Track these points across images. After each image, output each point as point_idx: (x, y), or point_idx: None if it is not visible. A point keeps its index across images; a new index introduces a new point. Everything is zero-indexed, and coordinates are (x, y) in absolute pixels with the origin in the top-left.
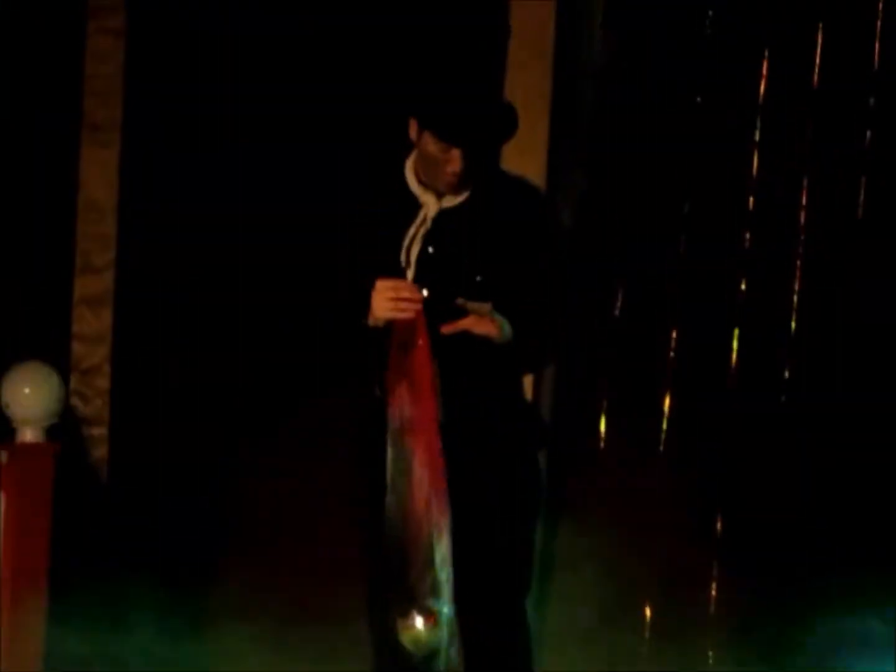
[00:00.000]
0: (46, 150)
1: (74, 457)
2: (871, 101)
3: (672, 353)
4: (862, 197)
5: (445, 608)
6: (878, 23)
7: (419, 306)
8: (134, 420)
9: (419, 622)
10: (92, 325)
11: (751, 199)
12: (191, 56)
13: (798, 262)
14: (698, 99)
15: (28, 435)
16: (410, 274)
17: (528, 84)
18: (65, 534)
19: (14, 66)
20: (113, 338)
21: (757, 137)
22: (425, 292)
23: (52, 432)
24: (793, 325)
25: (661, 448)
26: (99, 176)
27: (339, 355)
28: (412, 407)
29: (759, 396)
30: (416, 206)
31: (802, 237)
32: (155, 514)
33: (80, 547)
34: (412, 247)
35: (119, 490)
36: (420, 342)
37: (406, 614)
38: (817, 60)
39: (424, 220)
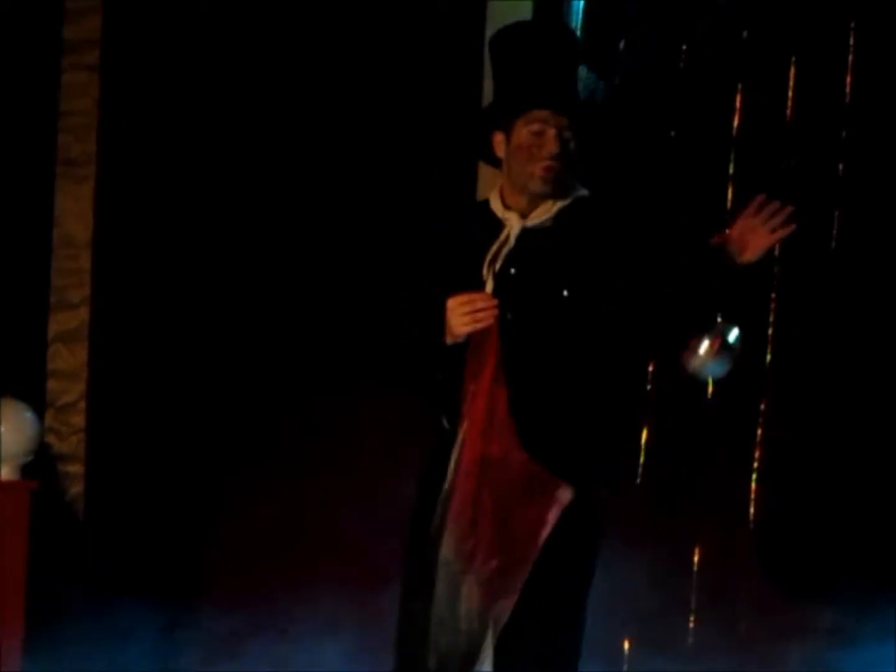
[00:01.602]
0: (21, 186)
1: (50, 494)
2: (843, 133)
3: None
4: (835, 229)
5: None
6: (850, 57)
7: (496, 311)
8: (110, 457)
9: None
10: (67, 361)
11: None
12: (166, 91)
13: (772, 294)
14: (672, 132)
15: (3, 472)
16: (490, 287)
17: None
18: (41, 572)
19: None
20: (88, 374)
21: (731, 170)
22: (508, 315)
23: (27, 470)
24: (767, 356)
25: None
26: (74, 211)
27: (409, 382)
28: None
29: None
30: (499, 228)
31: (777, 269)
32: (132, 551)
33: (57, 584)
34: (493, 266)
35: (95, 528)
36: (493, 346)
37: None
38: (790, 94)
39: (507, 239)
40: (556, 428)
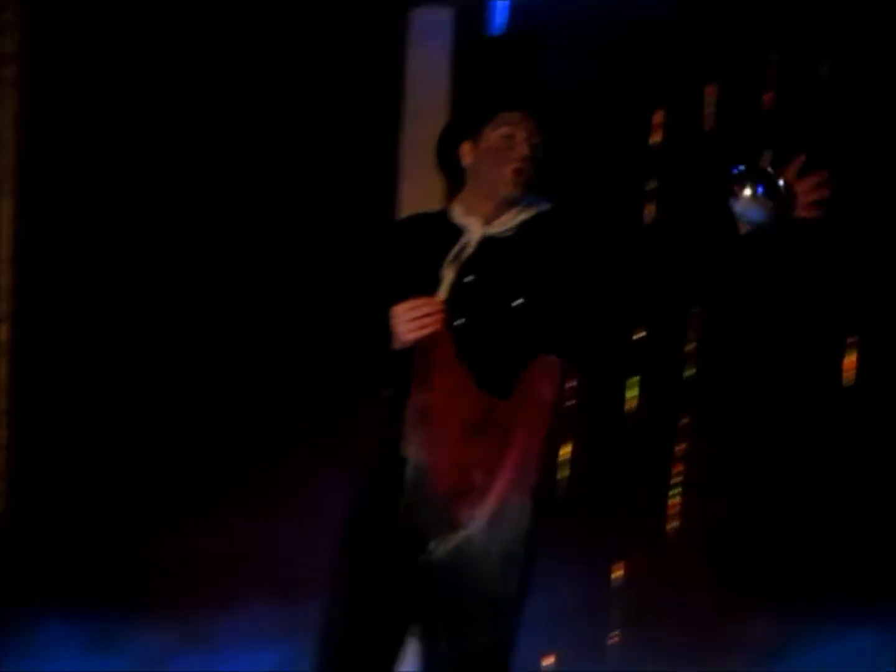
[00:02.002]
0: None
1: None
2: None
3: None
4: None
5: None
6: (769, 73)
7: (441, 316)
8: (34, 474)
9: None
10: None
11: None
12: (85, 105)
13: (696, 310)
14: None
15: None
16: (445, 293)
17: (424, 133)
18: None
19: None
20: (10, 390)
21: (652, 186)
22: (456, 321)
23: None
24: (688, 370)
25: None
26: None
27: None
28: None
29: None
30: (457, 235)
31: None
32: (57, 568)
33: None
34: (447, 272)
35: (19, 545)
36: (444, 350)
37: None
38: (708, 111)
39: (467, 245)
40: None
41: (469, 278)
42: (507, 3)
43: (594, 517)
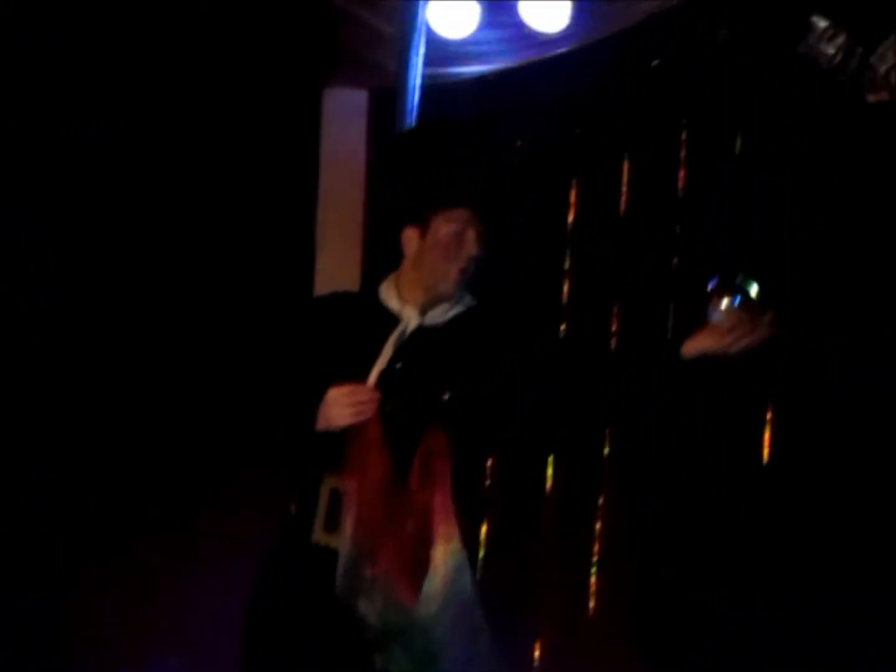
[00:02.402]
0: None
1: None
2: (677, 228)
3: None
4: (671, 321)
5: None
6: (683, 151)
7: (376, 405)
8: None
9: None
10: None
11: (562, 327)
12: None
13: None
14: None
15: None
16: (375, 378)
17: (340, 213)
18: None
19: None
20: None
21: (567, 265)
22: (387, 407)
23: None
24: (605, 448)
25: None
26: None
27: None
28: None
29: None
30: (390, 321)
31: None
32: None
33: None
34: (381, 356)
35: None
36: (373, 435)
37: None
38: (623, 189)
39: (403, 333)
40: None
41: (399, 365)
42: (421, 84)
43: (513, 596)
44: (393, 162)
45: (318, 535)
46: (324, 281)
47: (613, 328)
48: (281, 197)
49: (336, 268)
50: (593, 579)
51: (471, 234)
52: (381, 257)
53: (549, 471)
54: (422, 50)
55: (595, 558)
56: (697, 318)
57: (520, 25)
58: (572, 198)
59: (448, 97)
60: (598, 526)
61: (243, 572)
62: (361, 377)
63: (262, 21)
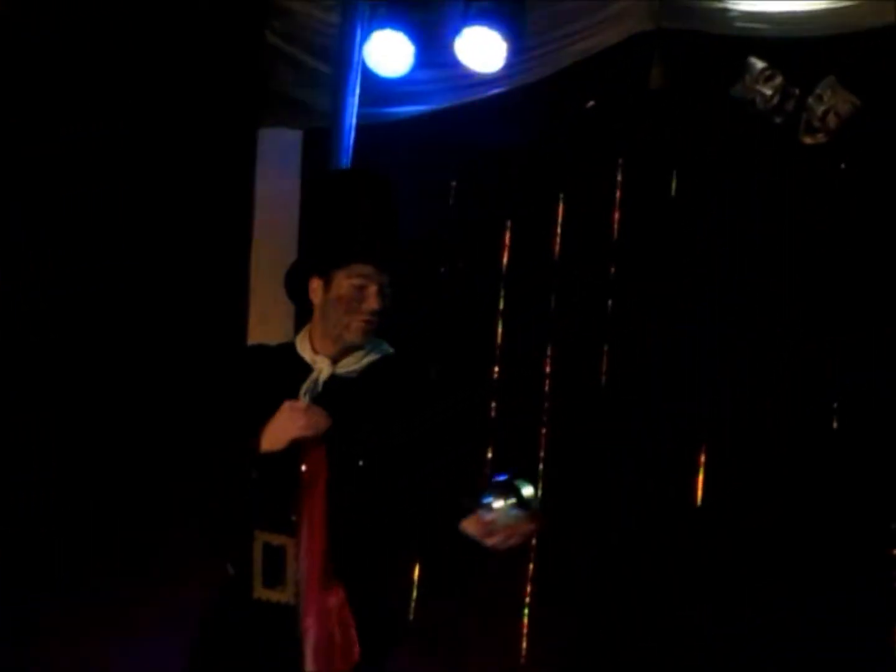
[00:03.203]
0: None
1: None
2: (612, 269)
3: None
4: (604, 364)
5: None
6: (617, 193)
7: (327, 426)
8: None
9: None
10: None
11: (496, 368)
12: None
13: (543, 430)
14: (442, 269)
15: None
16: None
17: (274, 252)
18: None
19: None
20: None
21: (501, 306)
22: (303, 466)
23: None
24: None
25: None
26: None
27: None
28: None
29: None
30: (305, 371)
31: (547, 405)
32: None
33: None
34: None
35: None
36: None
37: None
38: (558, 230)
39: (316, 383)
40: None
41: None
42: (354, 125)
43: (445, 637)
44: (303, 211)
45: (259, 592)
46: (257, 320)
47: (547, 370)
48: (215, 236)
49: (270, 308)
50: (525, 621)
51: (372, 289)
52: (296, 304)
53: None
54: (357, 89)
55: (527, 600)
56: (632, 361)
57: (455, 66)
58: (506, 239)
59: (383, 137)
60: (530, 568)
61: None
62: None
63: (195, 60)
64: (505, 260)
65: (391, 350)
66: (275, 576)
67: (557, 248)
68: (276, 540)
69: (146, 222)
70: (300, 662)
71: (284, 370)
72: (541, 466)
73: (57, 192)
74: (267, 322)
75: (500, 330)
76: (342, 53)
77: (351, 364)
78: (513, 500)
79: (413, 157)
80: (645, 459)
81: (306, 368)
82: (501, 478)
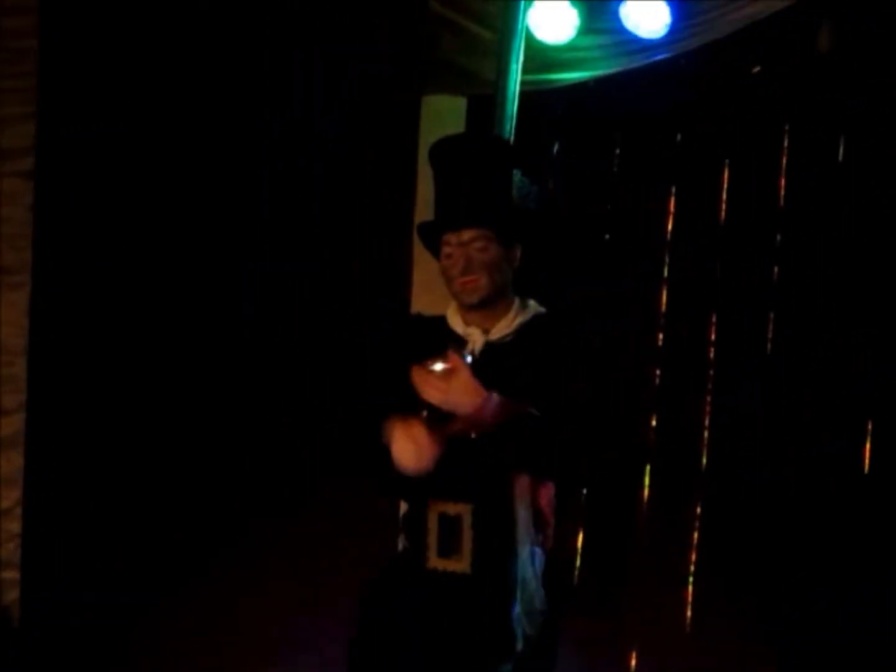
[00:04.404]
0: None
1: None
2: (778, 236)
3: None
4: (770, 332)
5: None
6: (784, 159)
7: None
8: (46, 564)
9: None
10: (3, 467)
11: (660, 336)
12: (98, 198)
13: (708, 398)
14: (607, 236)
15: None
16: None
17: None
18: None
19: None
20: (25, 481)
21: (665, 273)
22: (473, 433)
23: None
24: (703, 460)
25: None
26: (9, 319)
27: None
28: None
29: None
30: (460, 343)
31: (711, 372)
32: (68, 660)
33: None
34: None
35: (30, 635)
36: None
37: None
38: (724, 197)
39: (472, 353)
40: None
41: None
42: (517, 92)
43: (608, 605)
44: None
45: (434, 562)
46: (420, 289)
47: (712, 337)
48: (379, 204)
49: (434, 278)
50: (690, 589)
51: (457, 254)
52: None
53: (646, 480)
54: (521, 56)
55: (692, 568)
56: (798, 329)
57: (620, 31)
58: (671, 206)
59: (546, 104)
60: (694, 536)
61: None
62: None
63: (361, 29)
64: (669, 227)
65: (541, 308)
66: (451, 545)
67: (723, 214)
68: (453, 509)
69: (315, 191)
70: (475, 632)
71: (439, 344)
72: (705, 434)
73: (211, 165)
74: (432, 292)
75: (664, 297)
76: (506, 20)
77: (503, 329)
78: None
79: (576, 123)
80: (811, 427)
81: (460, 341)
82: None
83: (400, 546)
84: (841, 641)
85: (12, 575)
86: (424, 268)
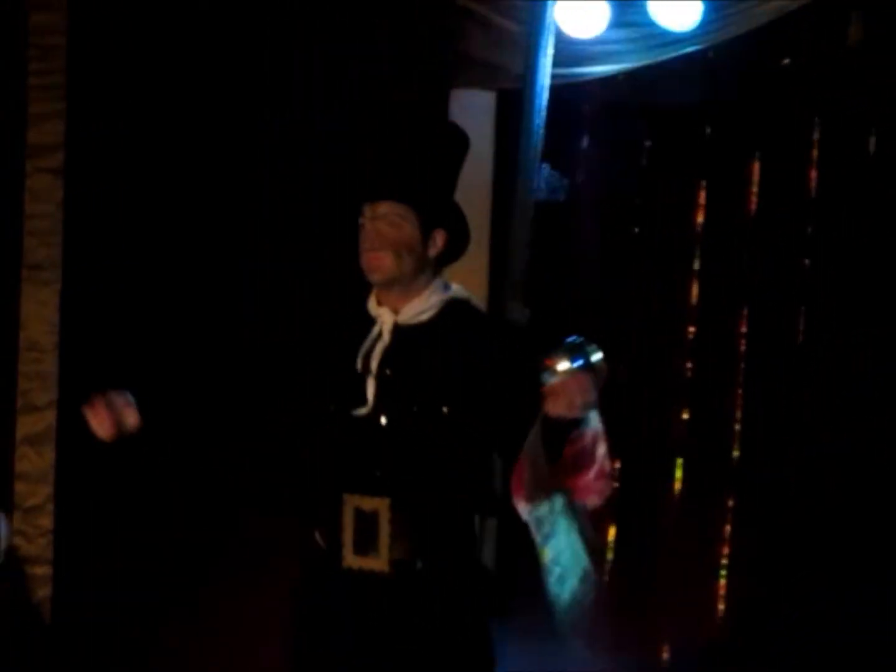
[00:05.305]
0: None
1: (18, 597)
2: (809, 229)
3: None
4: (801, 324)
5: None
6: (814, 151)
7: None
8: (77, 559)
9: None
10: (34, 463)
11: (691, 328)
12: (128, 193)
13: (739, 391)
14: (636, 229)
15: None
16: (372, 388)
17: (466, 215)
18: None
19: None
20: (55, 476)
21: (696, 266)
22: (383, 419)
23: None
24: (735, 453)
25: None
26: (39, 315)
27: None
28: None
29: None
30: (373, 324)
31: (742, 365)
32: (99, 655)
33: None
34: (370, 363)
35: (62, 631)
36: None
37: None
38: (754, 189)
39: (380, 334)
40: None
41: (387, 372)
42: (546, 86)
43: (640, 597)
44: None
45: (350, 560)
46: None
47: (742, 330)
48: None
49: (463, 269)
50: (722, 583)
51: (368, 226)
52: None
53: (678, 473)
54: (550, 50)
55: (724, 561)
56: (829, 321)
57: (649, 25)
58: (701, 199)
59: (575, 97)
60: (727, 530)
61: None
62: (357, 387)
63: (388, 23)
64: (700, 220)
65: (464, 294)
66: (368, 542)
67: (753, 207)
68: (368, 504)
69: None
70: (397, 632)
71: (356, 328)
72: (736, 427)
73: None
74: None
75: (694, 290)
76: (534, 14)
77: (413, 309)
78: (580, 363)
79: (606, 116)
80: (844, 419)
81: (371, 321)
82: (570, 340)
83: (319, 544)
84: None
85: (45, 571)
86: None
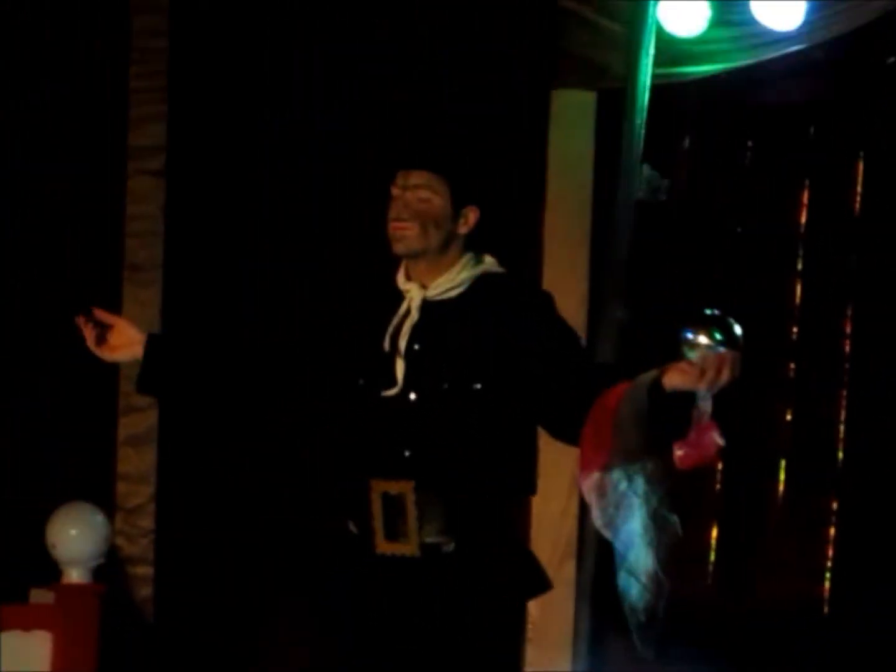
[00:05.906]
0: (88, 291)
1: (120, 597)
2: None
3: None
4: None
5: None
6: None
7: None
8: (179, 559)
9: None
10: (136, 464)
11: (795, 329)
12: (229, 196)
13: (844, 392)
14: (739, 229)
15: (74, 575)
16: (401, 366)
17: (567, 215)
18: None
19: (57, 209)
20: (157, 477)
21: (799, 266)
22: (413, 397)
23: (97, 572)
24: (839, 454)
25: None
26: (140, 316)
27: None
28: None
29: None
30: (402, 300)
31: (847, 366)
32: (201, 654)
33: None
34: (399, 339)
35: (165, 630)
36: None
37: None
38: (858, 189)
39: (409, 311)
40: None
41: (416, 347)
42: (648, 86)
43: (744, 601)
44: None
45: (382, 546)
46: (551, 282)
47: (847, 330)
48: (509, 198)
49: (563, 269)
50: (827, 585)
51: (398, 195)
52: None
53: (781, 475)
54: (651, 50)
55: (828, 564)
56: None
57: (752, 24)
58: (805, 198)
59: (677, 96)
60: (831, 531)
61: None
62: (384, 363)
63: (490, 24)
64: (803, 219)
65: (498, 268)
66: (397, 528)
67: (857, 206)
68: (394, 488)
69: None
70: (429, 616)
71: (383, 303)
72: (841, 428)
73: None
74: (560, 283)
75: (798, 290)
76: (636, 13)
77: (443, 285)
78: (720, 338)
79: (708, 116)
80: None
81: (399, 295)
82: (710, 313)
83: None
84: None
85: (146, 571)
86: (555, 263)
